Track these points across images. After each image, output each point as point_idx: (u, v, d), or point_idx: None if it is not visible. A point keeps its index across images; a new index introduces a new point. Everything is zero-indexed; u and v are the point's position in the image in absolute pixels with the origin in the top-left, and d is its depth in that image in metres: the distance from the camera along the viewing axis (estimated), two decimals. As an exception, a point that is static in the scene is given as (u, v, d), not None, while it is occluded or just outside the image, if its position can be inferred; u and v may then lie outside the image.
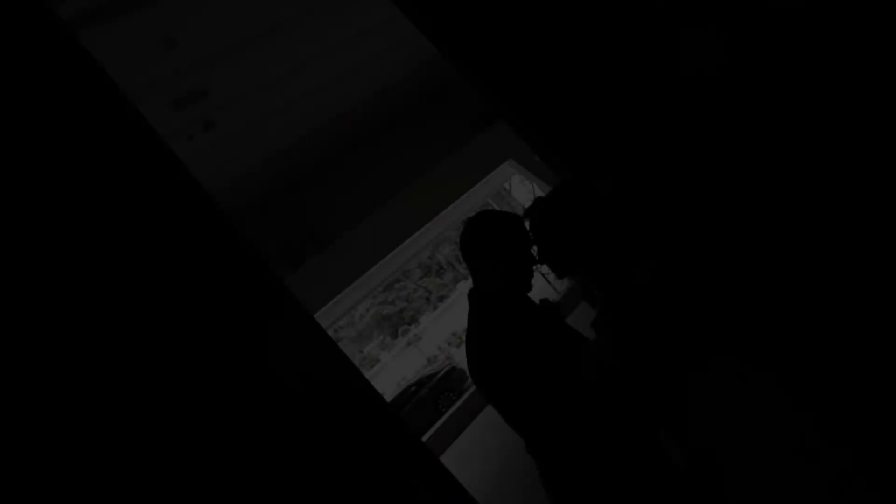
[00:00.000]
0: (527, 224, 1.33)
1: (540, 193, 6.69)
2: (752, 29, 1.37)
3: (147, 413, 1.03)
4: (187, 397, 1.07)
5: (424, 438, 8.28)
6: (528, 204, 1.36)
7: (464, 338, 1.37)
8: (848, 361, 1.28)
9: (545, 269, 1.37)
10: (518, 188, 19.81)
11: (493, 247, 1.33)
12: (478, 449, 6.52)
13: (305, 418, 1.15)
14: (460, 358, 12.12)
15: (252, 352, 1.15)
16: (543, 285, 11.05)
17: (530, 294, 1.43)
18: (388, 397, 10.48)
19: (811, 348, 1.28)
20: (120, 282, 1.08)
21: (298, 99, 5.57)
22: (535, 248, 1.33)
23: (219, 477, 1.04)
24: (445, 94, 9.56)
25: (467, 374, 9.99)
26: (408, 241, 7.85)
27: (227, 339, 1.13)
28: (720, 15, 1.37)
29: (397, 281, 25.63)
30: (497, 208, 6.30)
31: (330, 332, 2.67)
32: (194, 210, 1.21)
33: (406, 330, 23.68)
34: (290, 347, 1.21)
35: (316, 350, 1.25)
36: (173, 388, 1.06)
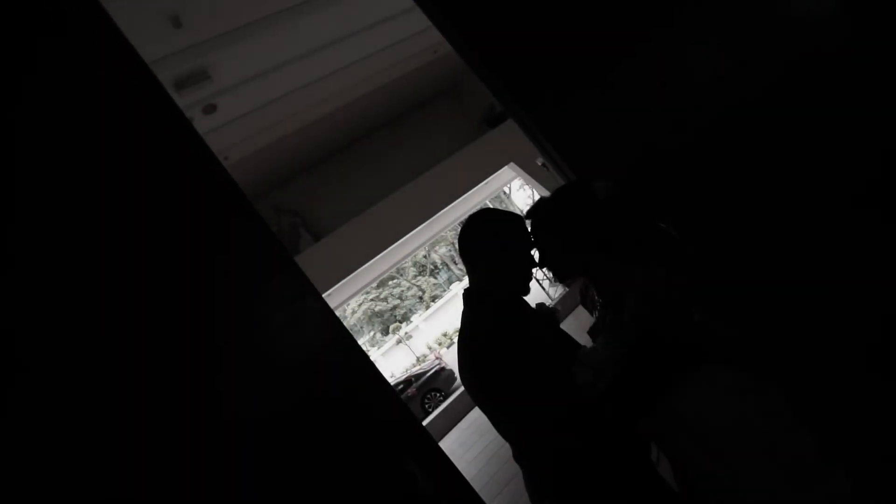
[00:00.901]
0: (528, 225, 1.30)
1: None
2: (766, 36, 1.35)
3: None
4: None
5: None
6: (527, 209, 1.33)
7: (454, 339, 1.34)
8: (845, 372, 1.26)
9: (539, 274, 1.34)
10: (518, 193, 19.84)
11: (493, 245, 1.29)
12: (462, 451, 6.48)
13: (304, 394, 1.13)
14: (450, 358, 12.07)
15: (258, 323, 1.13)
16: (536, 291, 11.03)
17: (526, 299, 1.39)
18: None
19: (809, 357, 1.26)
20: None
21: (303, 88, 5.52)
22: (535, 250, 1.29)
23: (212, 451, 1.02)
24: (452, 93, 9.53)
25: (456, 375, 9.96)
26: (404, 238, 7.81)
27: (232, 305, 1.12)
28: (734, 19, 1.35)
29: (391, 278, 25.57)
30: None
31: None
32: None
33: (397, 327, 23.62)
34: (295, 318, 1.19)
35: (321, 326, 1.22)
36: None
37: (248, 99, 5.01)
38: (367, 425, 1.15)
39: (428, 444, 1.21)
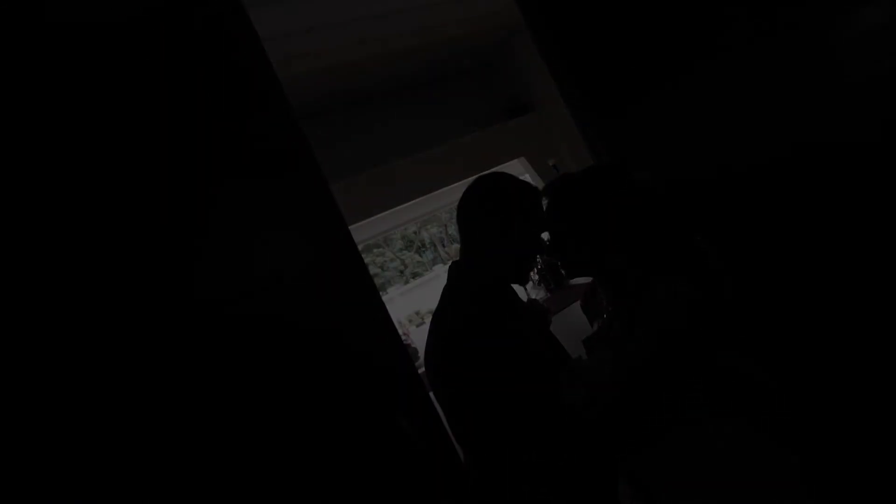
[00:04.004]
0: (545, 203, 1.10)
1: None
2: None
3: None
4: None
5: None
6: (546, 183, 1.13)
7: (426, 319, 1.15)
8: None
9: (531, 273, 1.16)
10: (520, 191, 19.70)
11: (496, 216, 1.09)
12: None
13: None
14: (417, 338, 11.90)
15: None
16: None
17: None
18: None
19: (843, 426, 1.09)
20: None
21: (338, 25, 5.19)
22: (546, 234, 1.10)
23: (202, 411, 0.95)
24: (483, 72, 9.22)
25: (420, 355, 9.83)
26: (398, 207, 7.57)
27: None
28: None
29: (377, 246, 25.35)
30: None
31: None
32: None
33: (371, 296, 23.53)
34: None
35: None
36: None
37: (272, 23, 4.68)
38: (360, 368, 1.06)
39: (421, 399, 1.10)
